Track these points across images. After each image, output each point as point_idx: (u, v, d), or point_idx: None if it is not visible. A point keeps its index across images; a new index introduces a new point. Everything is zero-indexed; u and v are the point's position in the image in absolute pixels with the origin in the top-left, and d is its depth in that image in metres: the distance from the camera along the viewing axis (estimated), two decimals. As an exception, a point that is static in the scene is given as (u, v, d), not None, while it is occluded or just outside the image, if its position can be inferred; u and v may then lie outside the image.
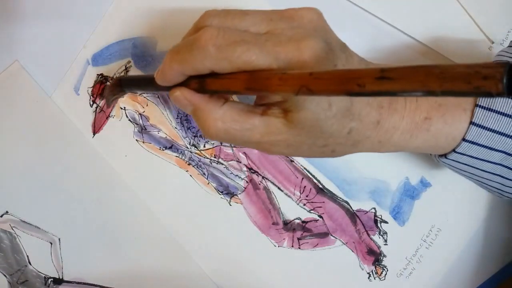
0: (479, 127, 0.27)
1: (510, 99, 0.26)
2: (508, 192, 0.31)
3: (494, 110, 0.27)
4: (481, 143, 0.27)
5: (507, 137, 0.27)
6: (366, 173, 0.38)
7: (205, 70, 0.24)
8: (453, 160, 0.29)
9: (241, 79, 0.23)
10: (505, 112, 0.26)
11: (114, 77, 0.38)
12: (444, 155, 0.30)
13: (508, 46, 0.32)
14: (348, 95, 0.18)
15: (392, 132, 0.27)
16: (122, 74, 0.38)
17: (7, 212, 0.38)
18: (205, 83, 0.24)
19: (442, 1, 0.36)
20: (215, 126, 0.25)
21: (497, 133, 0.27)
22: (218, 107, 0.25)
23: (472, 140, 0.27)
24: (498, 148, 0.27)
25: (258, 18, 0.24)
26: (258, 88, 0.22)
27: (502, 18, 0.36)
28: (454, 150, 0.28)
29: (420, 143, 0.28)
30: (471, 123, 0.27)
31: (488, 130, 0.27)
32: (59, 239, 0.39)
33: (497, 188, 0.31)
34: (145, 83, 0.30)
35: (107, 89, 0.35)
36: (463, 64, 0.15)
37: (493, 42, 0.36)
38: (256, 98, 0.29)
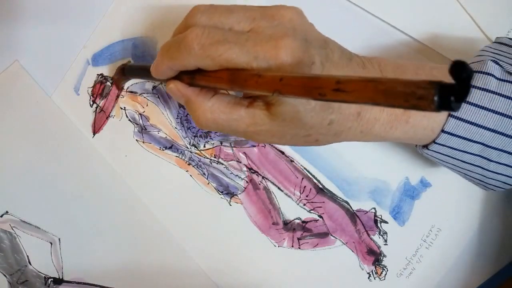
0: (457, 119, 0.28)
1: (488, 93, 0.27)
2: (491, 184, 0.32)
3: (472, 103, 0.28)
4: (459, 134, 0.28)
5: (484, 129, 0.28)
6: (366, 173, 0.38)
7: (192, 66, 0.25)
8: (435, 151, 0.30)
9: (223, 77, 0.24)
10: (483, 105, 0.27)
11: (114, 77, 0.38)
12: (426, 147, 0.31)
13: (494, 42, 0.32)
14: (314, 99, 0.20)
15: (373, 123, 0.28)
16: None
17: (7, 212, 0.38)
18: (194, 78, 0.27)
19: (442, 1, 0.36)
20: (204, 116, 0.27)
21: (474, 125, 0.28)
22: (207, 99, 0.27)
23: (451, 132, 0.28)
24: (476, 140, 0.28)
25: (242, 17, 0.25)
26: (238, 86, 0.24)
27: (502, 18, 0.36)
28: (434, 141, 0.29)
29: (400, 134, 0.29)
30: (450, 115, 0.28)
31: (466, 122, 0.28)
32: (59, 239, 0.39)
33: (480, 180, 0.32)
34: (144, 73, 0.32)
35: (115, 75, 0.38)
36: (403, 82, 0.16)
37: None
38: None
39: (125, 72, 0.36)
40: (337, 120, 0.27)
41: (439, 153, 0.30)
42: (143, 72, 0.33)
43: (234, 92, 0.28)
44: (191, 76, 0.27)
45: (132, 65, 0.37)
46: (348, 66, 0.27)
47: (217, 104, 0.27)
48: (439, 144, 0.29)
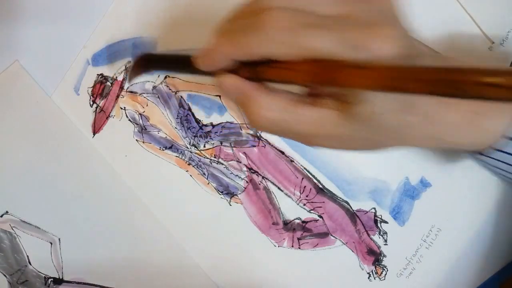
0: None
1: None
2: None
3: None
4: None
5: None
6: (366, 173, 0.38)
7: (259, 55, 0.21)
8: (491, 158, 0.28)
9: (304, 69, 0.20)
10: None
11: (114, 76, 0.38)
12: (483, 152, 0.28)
13: None
14: (440, 96, 0.16)
15: (444, 128, 0.25)
16: (122, 74, 0.38)
17: (7, 212, 0.38)
18: (257, 72, 0.22)
19: (442, 1, 0.36)
20: (262, 114, 0.23)
21: None
22: (265, 94, 0.23)
23: None
24: None
25: None
26: (324, 81, 0.20)
27: (502, 18, 0.36)
28: (493, 147, 0.27)
29: (469, 140, 0.26)
30: None
31: None
32: (59, 239, 0.39)
33: None
34: (179, 65, 0.27)
35: (132, 68, 0.34)
36: None
37: (493, 42, 0.36)
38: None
39: (148, 65, 0.30)
40: (413, 123, 0.23)
41: (496, 159, 0.28)
42: (176, 64, 0.28)
43: (298, 88, 0.24)
44: (252, 68, 0.22)
45: (158, 55, 0.32)
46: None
47: (277, 101, 0.23)
48: (498, 150, 0.27)
